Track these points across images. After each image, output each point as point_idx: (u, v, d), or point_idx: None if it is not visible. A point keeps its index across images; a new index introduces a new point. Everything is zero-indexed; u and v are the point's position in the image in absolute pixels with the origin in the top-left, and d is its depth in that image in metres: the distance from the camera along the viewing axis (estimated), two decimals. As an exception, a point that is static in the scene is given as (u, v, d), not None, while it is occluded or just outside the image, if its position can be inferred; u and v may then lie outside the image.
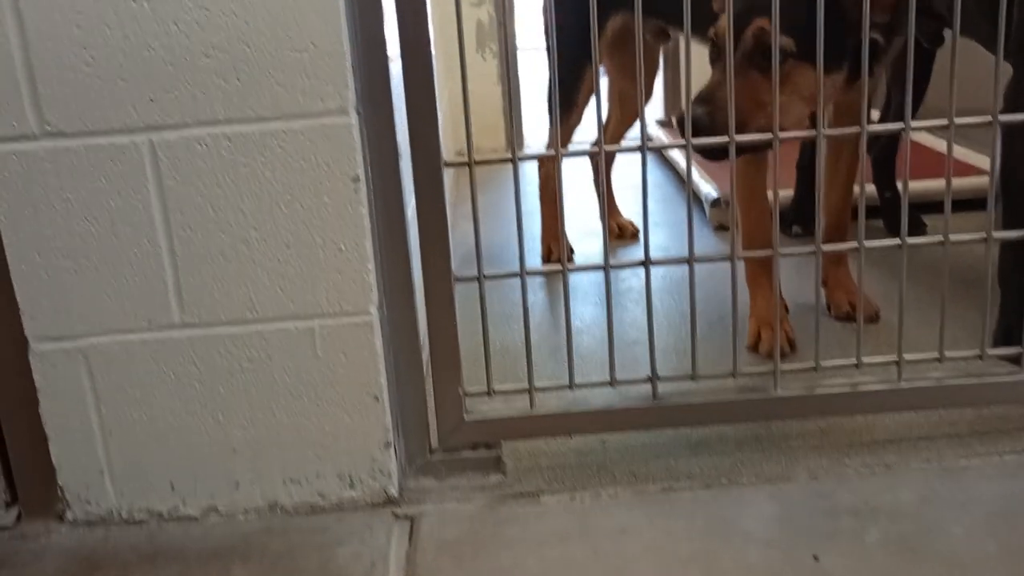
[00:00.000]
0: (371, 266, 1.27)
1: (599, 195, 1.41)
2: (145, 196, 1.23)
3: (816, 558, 1.17)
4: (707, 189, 2.52)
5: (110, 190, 1.23)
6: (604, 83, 2.40)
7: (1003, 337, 1.51)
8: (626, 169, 2.71)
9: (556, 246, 2.30)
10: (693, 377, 1.39)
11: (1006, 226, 1.46)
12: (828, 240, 1.80)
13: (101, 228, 1.24)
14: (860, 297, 1.46)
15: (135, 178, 1.22)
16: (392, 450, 1.34)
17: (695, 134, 1.36)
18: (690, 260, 1.35)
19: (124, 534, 1.33)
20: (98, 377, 1.29)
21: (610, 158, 2.53)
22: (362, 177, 1.24)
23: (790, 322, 1.75)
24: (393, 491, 1.35)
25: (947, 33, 1.83)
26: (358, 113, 1.23)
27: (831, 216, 1.88)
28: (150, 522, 1.34)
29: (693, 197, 2.54)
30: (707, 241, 2.39)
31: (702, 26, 1.55)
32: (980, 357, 1.39)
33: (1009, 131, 1.45)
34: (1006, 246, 1.50)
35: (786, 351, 1.67)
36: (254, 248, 1.25)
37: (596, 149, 1.31)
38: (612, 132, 2.42)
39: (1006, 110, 1.43)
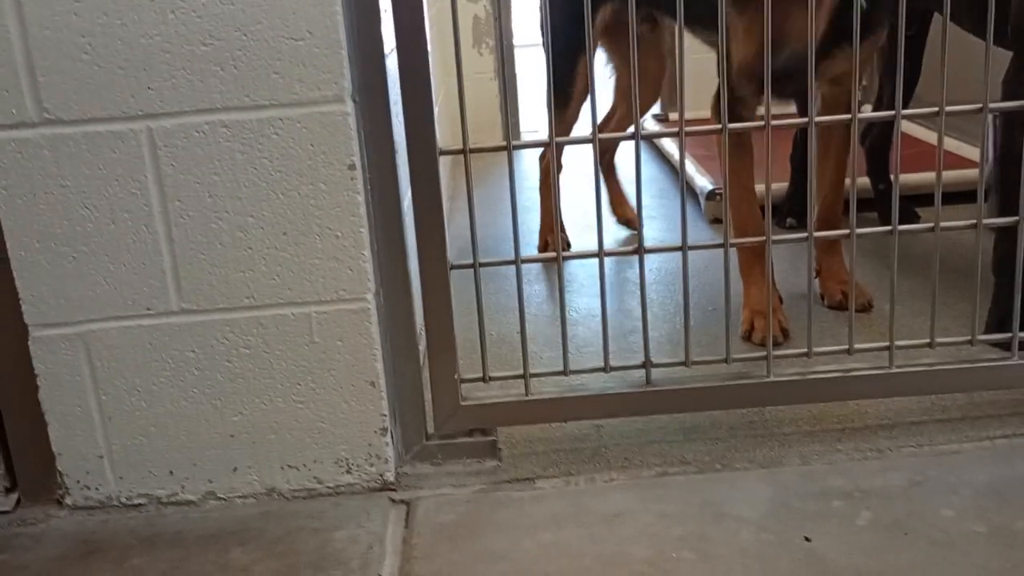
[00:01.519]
0: (367, 253, 1.28)
1: (598, 184, 1.41)
2: (143, 183, 1.24)
3: (808, 539, 1.19)
4: (703, 182, 2.54)
5: (108, 177, 1.24)
6: (606, 77, 2.40)
7: (997, 325, 1.53)
8: (621, 162, 2.72)
9: (552, 238, 2.31)
10: (686, 363, 1.40)
11: (1001, 214, 1.47)
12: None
13: (100, 215, 1.25)
14: (852, 285, 1.47)
15: (133, 165, 1.23)
16: (388, 436, 1.35)
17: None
18: (683, 247, 1.36)
19: (123, 518, 1.34)
20: (97, 363, 1.30)
21: (613, 149, 2.54)
22: (358, 165, 1.26)
23: (784, 312, 1.76)
24: (390, 476, 1.36)
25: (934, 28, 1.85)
26: (354, 101, 1.25)
27: (823, 209, 1.89)
28: (149, 507, 1.36)
29: (689, 191, 2.56)
30: (703, 234, 2.40)
31: (693, 15, 1.55)
32: (971, 343, 1.40)
33: (1005, 119, 1.47)
34: (1001, 235, 1.51)
35: (779, 339, 1.68)
36: (251, 235, 1.27)
37: (591, 137, 1.33)
38: (617, 126, 2.43)
39: (1006, 96, 1.44)
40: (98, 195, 1.24)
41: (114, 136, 1.22)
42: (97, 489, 1.35)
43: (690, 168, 2.64)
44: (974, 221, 1.36)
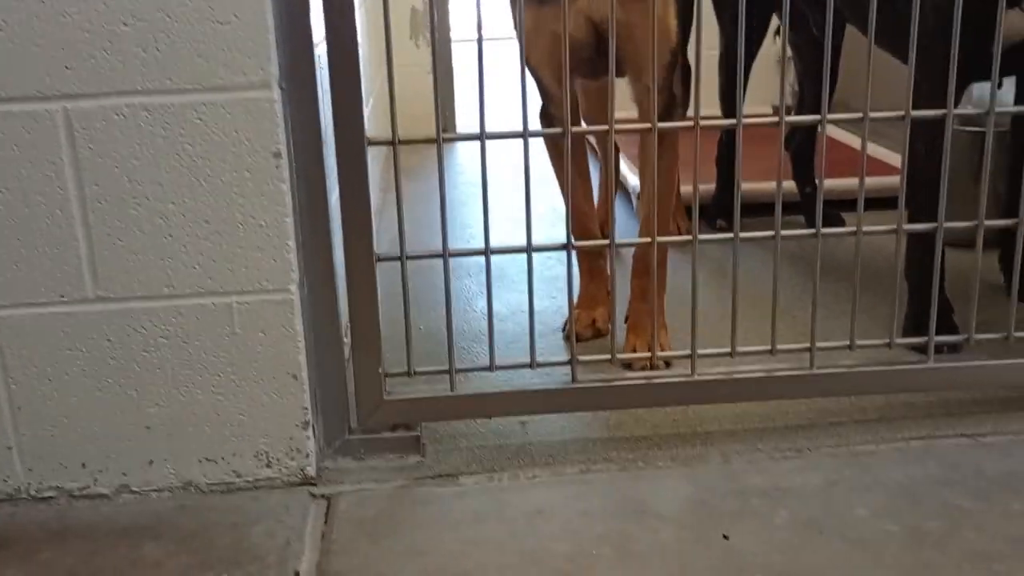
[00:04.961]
0: (292, 243, 1.26)
1: (527, 178, 1.40)
2: (59, 166, 1.20)
3: (726, 537, 1.20)
4: (635, 181, 2.55)
5: (22, 159, 1.20)
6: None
7: (912, 328, 1.56)
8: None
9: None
10: (612, 360, 1.41)
11: (914, 222, 1.50)
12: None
13: (12, 197, 1.21)
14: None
15: (48, 147, 1.20)
16: (310, 429, 1.33)
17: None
18: (611, 244, 1.37)
19: (32, 512, 1.30)
20: (7, 351, 1.26)
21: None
22: (284, 153, 1.23)
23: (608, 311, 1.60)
24: (311, 471, 1.34)
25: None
26: (281, 88, 1.22)
27: (647, 222, 1.63)
28: (60, 500, 1.32)
29: (622, 190, 2.57)
30: (634, 231, 2.41)
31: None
32: (888, 345, 1.43)
33: (915, 129, 1.49)
34: (913, 241, 1.55)
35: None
36: (171, 222, 1.23)
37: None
38: None
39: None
40: (11, 177, 1.20)
41: (28, 116, 1.18)
42: (5, 481, 1.31)
43: (624, 167, 2.65)
44: (894, 226, 1.38)
